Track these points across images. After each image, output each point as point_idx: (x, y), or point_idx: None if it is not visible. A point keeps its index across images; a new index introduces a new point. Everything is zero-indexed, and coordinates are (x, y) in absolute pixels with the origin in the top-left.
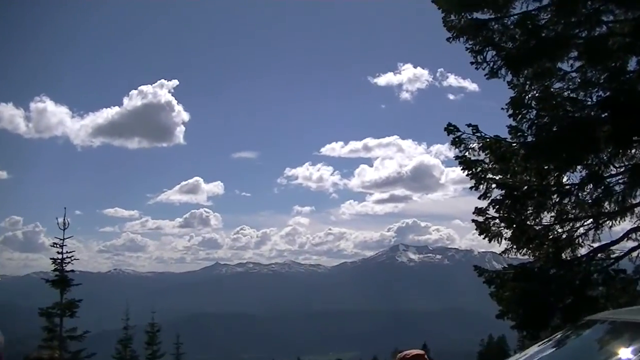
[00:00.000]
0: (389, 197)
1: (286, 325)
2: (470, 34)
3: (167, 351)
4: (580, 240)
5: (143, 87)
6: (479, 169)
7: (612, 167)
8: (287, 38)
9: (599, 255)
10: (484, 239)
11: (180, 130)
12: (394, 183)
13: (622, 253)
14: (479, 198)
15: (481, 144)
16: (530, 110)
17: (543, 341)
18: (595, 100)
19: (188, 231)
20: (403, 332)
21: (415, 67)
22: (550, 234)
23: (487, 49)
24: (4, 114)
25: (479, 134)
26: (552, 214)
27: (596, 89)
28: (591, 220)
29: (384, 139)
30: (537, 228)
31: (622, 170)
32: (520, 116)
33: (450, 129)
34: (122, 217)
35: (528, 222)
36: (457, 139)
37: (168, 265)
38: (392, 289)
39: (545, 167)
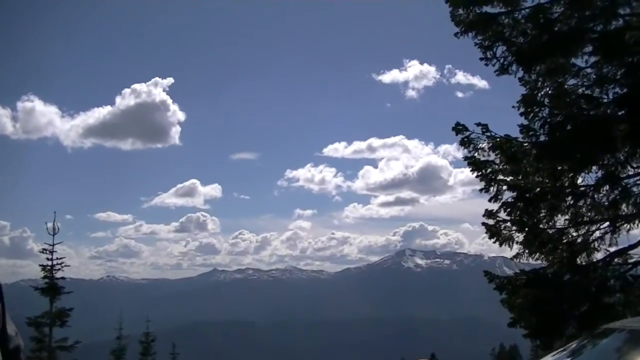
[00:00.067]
0: (395, 200)
1: (287, 334)
2: (480, 29)
3: None
4: (596, 245)
5: (136, 86)
6: (489, 170)
7: (629, 168)
8: (287, 34)
9: (616, 260)
10: (494, 243)
11: (175, 131)
12: (400, 185)
13: None
14: (489, 200)
15: (491, 144)
16: (542, 108)
17: (557, 351)
18: (611, 98)
19: (184, 236)
20: (409, 341)
21: (421, 63)
22: (564, 237)
23: (497, 44)
24: None
25: (488, 134)
26: (567, 216)
27: (612, 86)
28: (608, 223)
29: (389, 139)
30: (551, 232)
31: None
32: (532, 114)
33: (459, 128)
34: (115, 221)
35: (541, 226)
36: (466, 139)
37: (163, 271)
38: (398, 296)
39: (559, 168)
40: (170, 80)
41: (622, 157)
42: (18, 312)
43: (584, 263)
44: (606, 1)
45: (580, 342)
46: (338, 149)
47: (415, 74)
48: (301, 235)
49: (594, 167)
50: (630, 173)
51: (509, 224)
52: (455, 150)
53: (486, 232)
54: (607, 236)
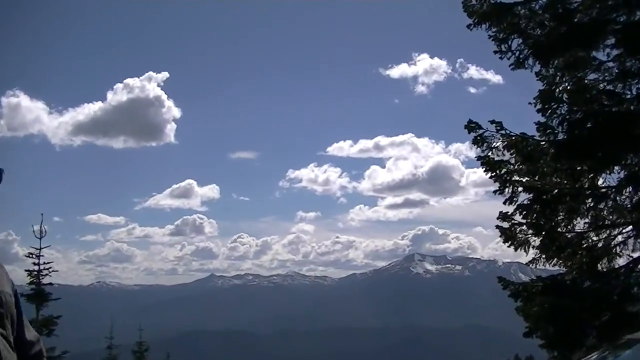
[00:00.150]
0: (403, 202)
1: (289, 343)
2: (494, 20)
3: None
4: (618, 250)
5: (129, 80)
6: (504, 170)
7: None
8: (289, 25)
9: None
10: (509, 247)
11: (170, 128)
12: (409, 186)
13: None
14: (504, 203)
15: (506, 143)
16: (561, 105)
17: None
18: (634, 93)
19: (180, 240)
20: (418, 351)
21: (432, 57)
22: (584, 242)
23: (512, 36)
24: None
25: (503, 132)
26: (586, 220)
27: (636, 80)
28: (630, 227)
29: (398, 137)
30: (569, 236)
31: None
32: (550, 111)
33: (472, 126)
34: (106, 224)
35: (559, 229)
36: (479, 137)
37: (157, 277)
38: (407, 303)
39: (579, 168)
40: (165, 75)
41: None
42: None
43: (605, 269)
44: None
45: (601, 354)
46: (343, 148)
47: (425, 68)
48: (304, 239)
49: (616, 167)
50: None
51: (524, 227)
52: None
53: (500, 236)
54: (630, 241)
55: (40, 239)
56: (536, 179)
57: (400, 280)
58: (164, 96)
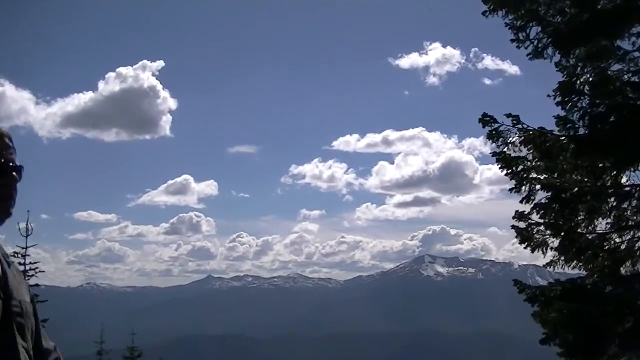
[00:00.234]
0: (413, 200)
1: (290, 349)
2: (511, 7)
3: None
4: None
5: (122, 69)
6: (521, 167)
7: None
8: (293, 12)
9: None
10: (525, 249)
11: (166, 120)
12: (419, 183)
13: None
14: (521, 201)
15: (523, 138)
16: (582, 97)
17: None
18: None
19: (175, 239)
20: (428, 358)
21: (444, 46)
22: (605, 244)
23: (530, 24)
24: None
25: (520, 126)
26: (608, 220)
27: None
28: None
29: (407, 131)
30: (590, 237)
31: None
32: (570, 104)
33: (486, 119)
34: (97, 222)
35: (579, 230)
36: (494, 132)
37: (151, 278)
38: (416, 307)
39: (600, 165)
40: (160, 64)
41: None
42: None
43: (628, 273)
44: None
45: None
46: (349, 142)
47: (437, 58)
48: (307, 238)
49: None
50: None
51: (542, 227)
52: (481, 145)
53: (516, 237)
54: None
55: (26, 237)
56: (555, 176)
57: (409, 283)
58: (159, 86)
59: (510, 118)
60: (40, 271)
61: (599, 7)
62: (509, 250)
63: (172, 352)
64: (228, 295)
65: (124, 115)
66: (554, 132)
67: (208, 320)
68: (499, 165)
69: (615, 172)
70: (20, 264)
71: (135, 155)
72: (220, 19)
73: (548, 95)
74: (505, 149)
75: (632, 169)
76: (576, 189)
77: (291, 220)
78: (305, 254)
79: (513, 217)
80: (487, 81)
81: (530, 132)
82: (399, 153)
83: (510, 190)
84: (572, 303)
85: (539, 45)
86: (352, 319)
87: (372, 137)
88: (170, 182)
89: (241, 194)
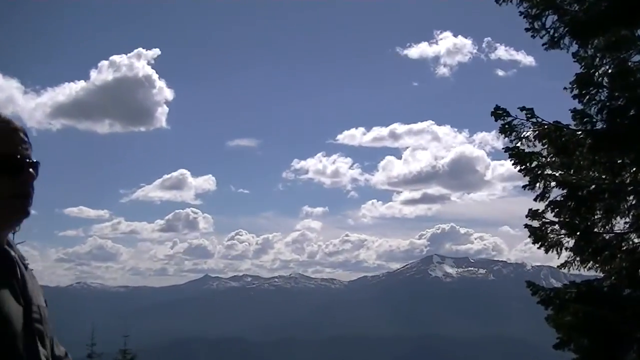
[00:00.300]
0: (421, 197)
1: (291, 353)
2: None
3: None
4: None
5: (116, 58)
6: (535, 163)
7: None
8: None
9: None
10: (539, 249)
11: (162, 112)
12: (428, 179)
13: None
14: (535, 199)
15: (537, 132)
16: (600, 90)
17: None
18: None
19: (171, 236)
20: None
21: (455, 35)
22: (624, 244)
23: (547, 12)
24: None
25: (534, 120)
26: (627, 219)
27: None
28: None
29: (416, 124)
30: (608, 237)
31: None
32: (588, 97)
33: (499, 112)
34: (89, 218)
35: (596, 230)
36: (507, 126)
37: (145, 278)
38: (424, 310)
39: (619, 161)
40: (156, 52)
41: None
42: None
43: None
44: None
45: None
46: (355, 136)
47: (447, 47)
48: (309, 237)
49: None
50: None
51: (557, 227)
52: (494, 139)
53: (530, 237)
54: None
55: (13, 234)
56: (571, 173)
57: (417, 284)
58: (155, 76)
59: (525, 111)
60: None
61: None
62: (522, 251)
63: (167, 355)
64: (226, 296)
65: (118, 106)
66: (570, 127)
67: (205, 323)
68: (512, 161)
69: (634, 169)
70: None
71: (129, 148)
72: (220, 7)
73: (564, 88)
74: (518, 144)
75: None
76: (593, 186)
77: (293, 218)
78: (307, 253)
79: (526, 216)
80: (500, 72)
81: (546, 127)
82: (406, 147)
83: (524, 187)
84: (588, 306)
85: (555, 34)
86: (356, 321)
87: (379, 131)
88: (166, 176)
89: (240, 189)
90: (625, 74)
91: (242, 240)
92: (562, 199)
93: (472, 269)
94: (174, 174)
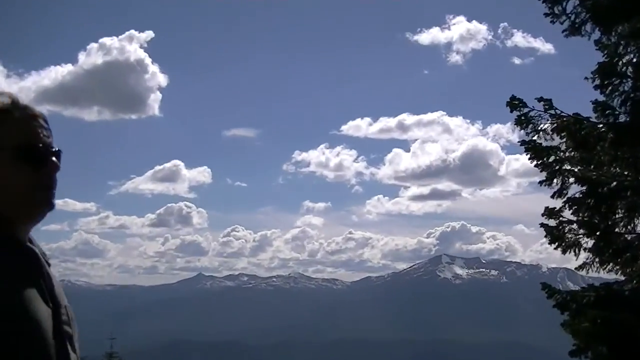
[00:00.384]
0: (430, 193)
1: (290, 357)
2: None
3: None
4: None
5: (105, 40)
6: (553, 157)
7: None
8: None
9: None
10: (555, 249)
11: (154, 98)
12: (438, 174)
13: None
14: (552, 196)
15: (556, 125)
16: (624, 80)
17: None
18: None
19: (162, 232)
20: None
21: (469, 20)
22: None
23: None
24: None
25: (553, 111)
26: None
27: None
28: None
29: (426, 115)
30: (629, 237)
31: None
32: (610, 88)
33: (515, 103)
34: (74, 211)
35: (617, 229)
36: (523, 117)
37: (134, 276)
38: (431, 313)
39: None
40: (149, 34)
41: None
42: None
43: None
44: None
45: None
46: (360, 127)
47: (461, 33)
48: (310, 234)
49: None
50: None
51: (575, 226)
52: (509, 132)
53: (546, 237)
54: None
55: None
56: (591, 168)
57: (424, 285)
58: (148, 60)
59: (542, 102)
60: None
61: None
62: (537, 251)
63: (157, 359)
64: (221, 296)
65: (108, 91)
66: (591, 119)
67: (198, 325)
68: (528, 156)
69: None
70: None
71: (119, 136)
72: None
73: (585, 78)
74: (535, 137)
75: None
76: (615, 183)
77: (293, 213)
78: (308, 252)
79: (542, 214)
80: (516, 60)
81: (564, 119)
82: (415, 140)
83: (540, 183)
84: (607, 311)
85: (577, 20)
86: (358, 324)
87: (386, 122)
88: (158, 167)
89: (237, 182)
90: None
91: (238, 236)
92: (581, 196)
93: (483, 270)
94: (167, 165)
